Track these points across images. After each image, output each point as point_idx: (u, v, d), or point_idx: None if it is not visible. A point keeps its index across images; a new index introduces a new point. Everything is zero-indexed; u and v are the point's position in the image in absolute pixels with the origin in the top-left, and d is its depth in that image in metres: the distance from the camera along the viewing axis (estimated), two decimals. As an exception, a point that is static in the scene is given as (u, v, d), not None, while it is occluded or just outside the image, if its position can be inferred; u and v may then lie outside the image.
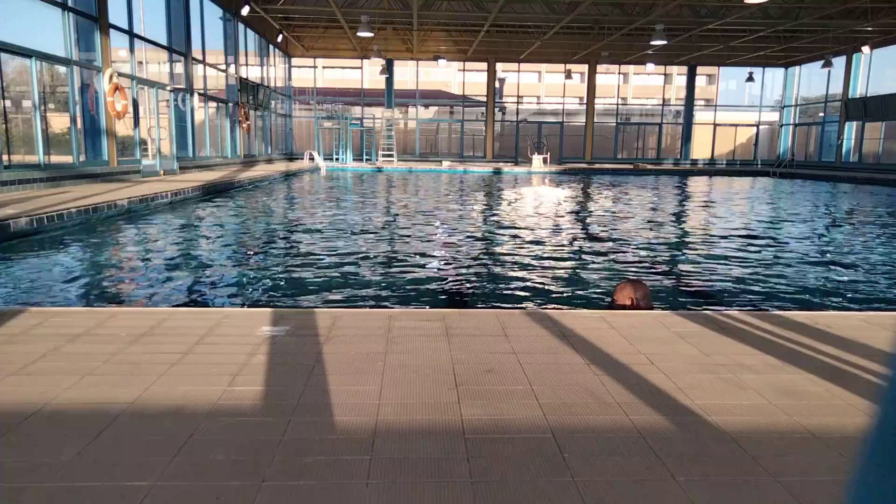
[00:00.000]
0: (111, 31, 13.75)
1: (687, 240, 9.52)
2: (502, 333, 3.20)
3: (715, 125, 35.28)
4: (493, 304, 5.31)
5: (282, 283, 5.90)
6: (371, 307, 5.03)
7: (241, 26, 23.44)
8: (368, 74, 34.04)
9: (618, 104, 35.80)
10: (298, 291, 5.53)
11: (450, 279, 6.21)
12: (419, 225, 10.09)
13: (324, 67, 38.25)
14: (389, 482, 1.78)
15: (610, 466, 1.89)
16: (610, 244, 8.55)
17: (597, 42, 27.42)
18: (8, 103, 10.98)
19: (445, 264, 6.90)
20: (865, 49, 25.23)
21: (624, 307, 3.90)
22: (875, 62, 27.87)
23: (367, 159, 31.74)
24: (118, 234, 8.57)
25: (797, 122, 33.81)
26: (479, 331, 3.25)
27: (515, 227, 10.05)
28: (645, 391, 2.48)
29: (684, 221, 12.07)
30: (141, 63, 15.76)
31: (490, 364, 2.75)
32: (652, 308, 4.02)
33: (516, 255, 7.53)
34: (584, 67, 33.37)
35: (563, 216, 11.91)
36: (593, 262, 7.21)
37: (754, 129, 35.75)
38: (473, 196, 16.01)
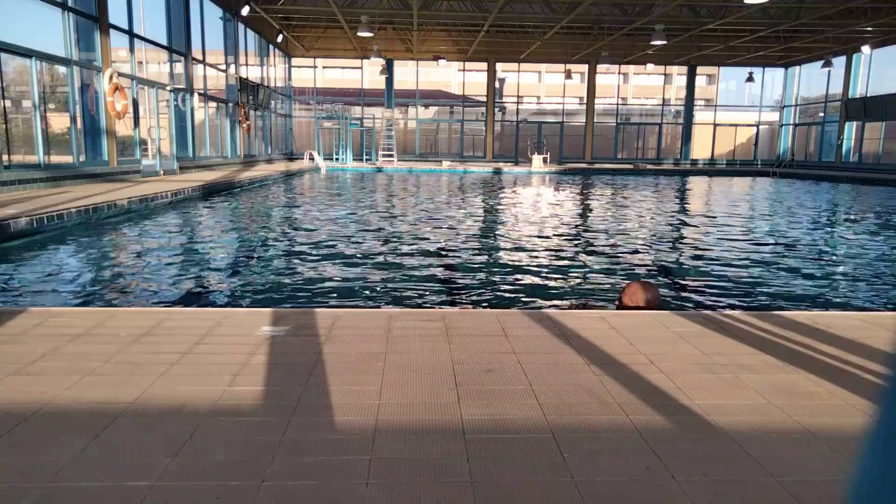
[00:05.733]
0: (111, 31, 13.75)
1: (687, 240, 9.53)
2: (502, 333, 3.20)
3: (715, 125, 35.28)
4: (493, 304, 5.31)
5: (282, 283, 5.90)
6: (371, 307, 5.03)
7: (241, 26, 23.44)
8: (368, 74, 34.04)
9: (618, 104, 35.79)
10: (298, 291, 5.53)
11: (450, 279, 6.21)
12: (419, 225, 10.08)
13: (324, 67, 38.26)
14: (389, 482, 1.78)
15: (610, 466, 1.89)
16: (610, 244, 8.55)
17: (597, 42, 27.43)
18: (8, 103, 10.98)
19: (446, 264, 6.90)
20: (865, 49, 25.23)
21: (633, 308, 3.87)
22: (875, 62, 27.90)
23: (367, 159, 31.74)
24: (118, 234, 8.57)
25: (797, 122, 33.81)
26: (479, 331, 3.25)
27: (515, 228, 10.05)
28: (645, 391, 2.48)
29: (684, 222, 12.07)
30: (141, 63, 15.76)
31: (490, 364, 2.75)
32: (661, 309, 3.99)
33: (516, 254, 7.53)
34: (584, 67, 33.37)
35: (562, 216, 11.91)
36: (594, 263, 7.21)
37: (754, 129, 35.75)
38: (473, 196, 16.01)
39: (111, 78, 13.32)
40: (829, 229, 11.08)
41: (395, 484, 1.77)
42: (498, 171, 27.51)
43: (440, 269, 6.67)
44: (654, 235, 9.60)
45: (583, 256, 7.61)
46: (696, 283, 6.29)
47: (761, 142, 35.85)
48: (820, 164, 30.49)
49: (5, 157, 10.47)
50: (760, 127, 35.69)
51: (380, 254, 7.41)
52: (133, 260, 6.92)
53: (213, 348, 2.91)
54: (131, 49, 15.05)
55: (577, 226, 10.65)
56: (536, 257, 7.38)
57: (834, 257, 8.14)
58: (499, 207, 13.47)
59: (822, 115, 31.74)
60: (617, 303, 4.04)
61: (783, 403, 2.38)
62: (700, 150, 35.24)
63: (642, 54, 30.22)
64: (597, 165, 31.96)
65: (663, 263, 7.38)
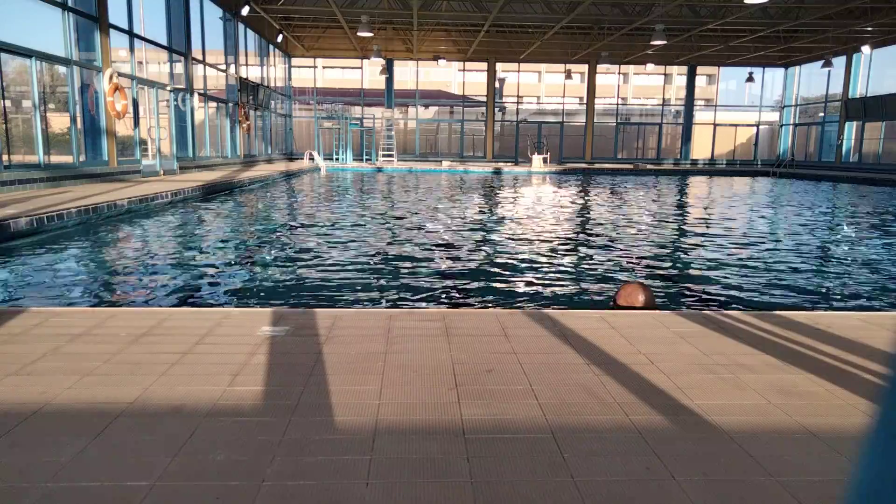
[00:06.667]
0: (111, 31, 13.76)
1: (687, 240, 9.52)
2: (502, 333, 3.20)
3: (715, 125, 35.29)
4: (493, 304, 5.31)
5: (282, 283, 5.90)
6: (371, 307, 5.03)
7: (241, 26, 23.44)
8: (368, 74, 34.05)
9: (618, 104, 35.80)
10: (298, 291, 5.53)
11: (450, 279, 6.20)
12: (419, 225, 10.08)
13: (324, 67, 38.26)
14: (389, 482, 1.78)
15: (610, 466, 1.89)
16: (610, 244, 8.55)
17: (597, 42, 27.43)
18: (8, 103, 10.98)
19: (446, 264, 6.90)
20: (865, 49, 25.23)
21: (626, 309, 3.88)
22: (875, 62, 27.90)
23: (367, 159, 31.75)
24: (118, 234, 8.57)
25: (797, 122, 33.81)
26: (479, 331, 3.25)
27: (515, 228, 10.05)
28: (645, 391, 2.48)
29: (684, 222, 12.07)
30: (141, 63, 15.76)
31: (490, 364, 2.75)
32: (656, 309, 3.99)
33: (516, 255, 7.53)
34: (584, 67, 33.38)
35: (562, 216, 11.91)
36: (593, 263, 7.21)
37: (754, 129, 35.75)
38: (473, 196, 16.01)
39: (111, 78, 13.32)
40: (828, 229, 11.08)
41: (395, 484, 1.77)
42: (498, 171, 27.51)
43: (440, 268, 6.66)
44: (653, 236, 9.60)
45: (582, 256, 7.60)
46: (695, 284, 6.29)
47: (761, 142, 35.85)
48: (820, 164, 30.49)
49: (5, 157, 10.47)
50: (760, 127, 35.69)
51: (380, 253, 7.41)
52: (133, 260, 6.93)
53: (213, 348, 2.91)
54: (131, 49, 15.05)
55: (576, 226, 10.65)
56: (536, 257, 7.37)
57: (834, 257, 8.14)
58: (498, 207, 13.47)
59: (822, 115, 31.75)
60: (611, 304, 4.04)
61: (783, 403, 2.38)
62: (700, 150, 35.24)
63: (642, 54, 30.22)
64: (597, 165, 31.96)
65: (662, 264, 7.38)
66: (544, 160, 30.11)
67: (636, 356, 2.88)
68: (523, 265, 6.88)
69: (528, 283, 6.02)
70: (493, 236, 9.11)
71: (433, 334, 3.17)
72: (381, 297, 5.39)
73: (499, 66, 33.35)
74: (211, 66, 20.68)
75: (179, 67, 18.18)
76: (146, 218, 9.89)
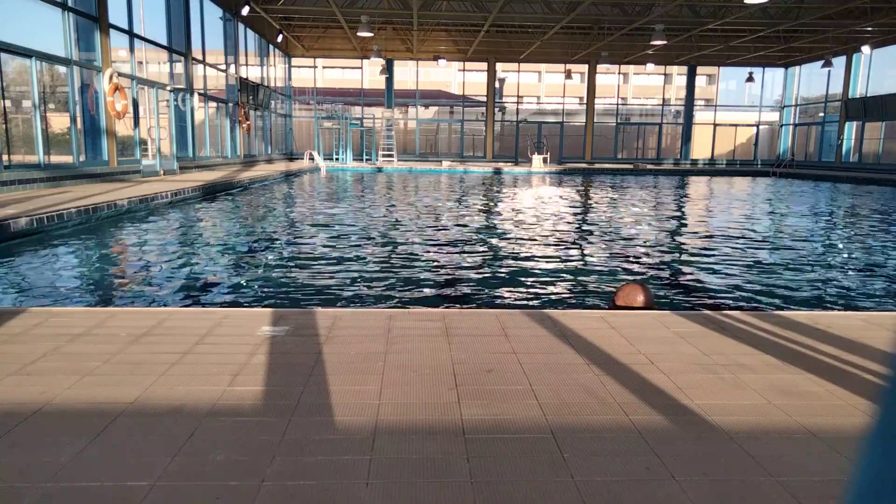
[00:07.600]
0: (111, 31, 13.76)
1: (687, 240, 9.53)
2: (502, 333, 3.20)
3: (715, 125, 35.28)
4: (493, 304, 5.31)
5: (282, 283, 5.90)
6: (371, 307, 5.03)
7: (241, 26, 23.44)
8: (368, 74, 34.05)
9: (618, 104, 35.79)
10: (298, 291, 5.53)
11: (450, 279, 6.20)
12: (419, 225, 10.08)
13: (324, 67, 38.26)
14: (389, 482, 1.78)
15: (610, 466, 1.89)
16: (610, 244, 8.55)
17: (597, 42, 27.43)
18: (8, 103, 10.98)
19: (446, 264, 6.90)
20: (865, 49, 25.23)
21: (626, 309, 3.87)
22: (875, 62, 27.91)
23: (367, 159, 31.74)
24: (118, 234, 8.57)
25: (797, 122, 33.81)
26: (479, 331, 3.25)
27: (515, 228, 10.04)
28: (645, 391, 2.48)
29: (684, 222, 12.07)
30: (141, 63, 15.76)
31: (490, 364, 2.75)
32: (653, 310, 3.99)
33: (516, 254, 7.53)
34: (584, 67, 33.38)
35: (562, 216, 11.91)
36: (594, 263, 7.21)
37: (754, 129, 35.75)
38: (473, 196, 16.01)
39: (111, 78, 13.32)
40: (828, 229, 11.08)
41: (395, 484, 1.77)
42: (498, 171, 27.51)
43: (440, 268, 6.66)
44: (652, 236, 9.60)
45: (582, 256, 7.60)
46: (695, 284, 6.29)
47: (761, 142, 35.85)
48: (820, 164, 30.49)
49: (5, 157, 10.47)
50: (760, 127, 35.69)
51: (380, 253, 7.41)
52: (133, 260, 6.93)
53: (213, 348, 2.91)
54: (131, 49, 15.05)
55: (576, 226, 10.65)
56: (536, 257, 7.38)
57: (834, 257, 8.14)
58: (498, 208, 13.47)
59: (822, 115, 31.74)
60: (610, 304, 4.03)
61: (783, 403, 2.38)
62: (700, 150, 35.25)
63: (642, 54, 30.22)
64: (597, 165, 31.96)
65: (662, 264, 7.38)
66: (544, 160, 30.11)
67: (636, 356, 2.88)
68: (523, 265, 6.88)
69: (528, 283, 6.02)
70: (493, 236, 9.11)
71: (433, 334, 3.17)
72: (381, 297, 5.39)
73: (499, 66, 33.35)
74: (211, 66, 20.68)
75: (179, 67, 18.18)
76: (146, 218, 9.89)
